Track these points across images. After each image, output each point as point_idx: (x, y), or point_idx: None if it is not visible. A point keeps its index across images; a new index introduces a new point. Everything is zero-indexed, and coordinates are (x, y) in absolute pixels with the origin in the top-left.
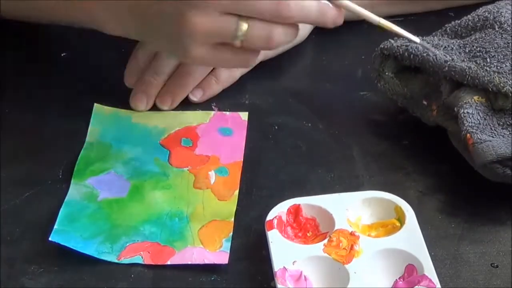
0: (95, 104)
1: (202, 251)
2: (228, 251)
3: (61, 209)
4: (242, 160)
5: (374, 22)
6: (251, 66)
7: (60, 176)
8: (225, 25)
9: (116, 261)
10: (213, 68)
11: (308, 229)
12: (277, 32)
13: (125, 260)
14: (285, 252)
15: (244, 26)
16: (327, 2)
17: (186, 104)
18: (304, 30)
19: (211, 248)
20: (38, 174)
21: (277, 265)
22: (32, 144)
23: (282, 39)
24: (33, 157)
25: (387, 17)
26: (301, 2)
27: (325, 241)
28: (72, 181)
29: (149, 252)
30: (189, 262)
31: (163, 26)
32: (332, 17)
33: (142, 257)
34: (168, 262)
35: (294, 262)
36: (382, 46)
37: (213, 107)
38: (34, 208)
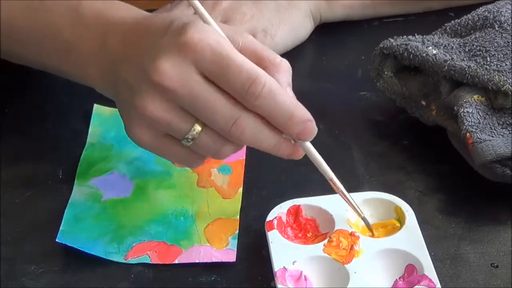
0: (95, 104)
1: (209, 250)
2: (235, 249)
3: (66, 210)
4: (244, 158)
5: (327, 177)
6: (195, 167)
7: (60, 176)
8: (177, 122)
9: (123, 261)
10: None
11: (308, 230)
12: (227, 148)
13: (133, 260)
14: (285, 252)
15: (197, 129)
16: (286, 137)
17: None
18: (305, 31)
19: (218, 246)
20: (38, 174)
21: (277, 265)
22: (32, 144)
23: (228, 154)
24: (33, 157)
25: (388, 17)
26: (257, 131)
27: (325, 241)
28: (76, 182)
29: (156, 252)
30: (197, 261)
31: (124, 95)
32: (287, 153)
33: (149, 256)
34: (176, 261)
35: (294, 262)
36: (382, 45)
37: None
38: (34, 208)
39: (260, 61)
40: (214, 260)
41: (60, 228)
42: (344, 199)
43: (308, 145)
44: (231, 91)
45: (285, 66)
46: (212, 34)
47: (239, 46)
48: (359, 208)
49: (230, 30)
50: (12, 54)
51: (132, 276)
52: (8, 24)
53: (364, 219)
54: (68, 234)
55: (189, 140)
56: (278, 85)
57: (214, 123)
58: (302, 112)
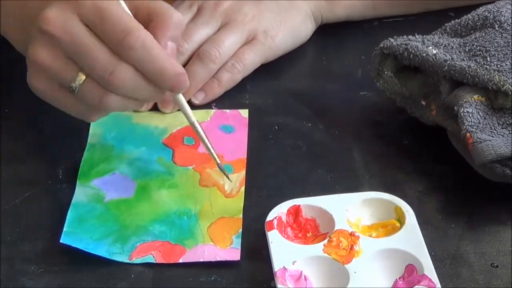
0: None
1: (213, 249)
2: (239, 248)
3: (69, 211)
4: (245, 156)
5: (189, 121)
6: (90, 120)
7: (60, 176)
8: (63, 69)
9: (127, 261)
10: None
11: (308, 230)
12: (111, 98)
13: (137, 260)
14: (285, 252)
15: (82, 78)
16: (157, 90)
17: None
18: (306, 31)
19: (222, 245)
20: (38, 174)
21: (277, 265)
22: (32, 144)
23: (115, 107)
24: (33, 157)
25: (388, 17)
26: (134, 82)
27: (325, 241)
28: (78, 183)
29: (160, 251)
30: (201, 260)
31: (24, 45)
32: (160, 101)
33: (153, 256)
34: (180, 260)
35: (294, 262)
36: (382, 45)
37: (213, 107)
38: (34, 208)
39: (150, 15)
40: (218, 259)
41: (64, 229)
42: (202, 144)
43: (179, 96)
44: (109, 43)
45: (174, 20)
46: None
47: (131, 3)
48: (215, 154)
49: None
50: None
51: (132, 276)
52: None
53: (219, 165)
54: (72, 235)
55: (74, 88)
56: (153, 40)
57: (93, 71)
58: (174, 67)
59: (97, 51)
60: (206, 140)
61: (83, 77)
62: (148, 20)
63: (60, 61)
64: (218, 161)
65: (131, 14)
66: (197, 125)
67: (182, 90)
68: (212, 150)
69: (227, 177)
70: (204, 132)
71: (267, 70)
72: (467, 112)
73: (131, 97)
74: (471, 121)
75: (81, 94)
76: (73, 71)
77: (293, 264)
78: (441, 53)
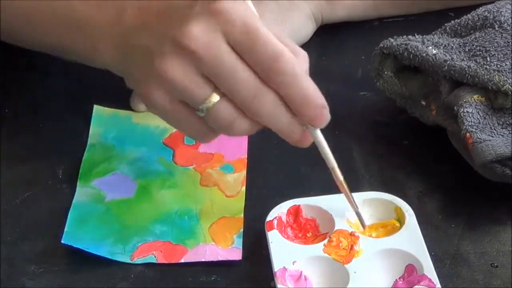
0: (94, 105)
1: (214, 248)
2: (241, 247)
3: (70, 211)
4: (246, 156)
5: (329, 165)
6: (203, 142)
7: (60, 176)
8: (195, 87)
9: (129, 261)
10: None
11: (308, 230)
12: (241, 123)
13: (138, 260)
14: (285, 252)
15: (215, 99)
16: (295, 121)
17: None
18: (307, 32)
19: (223, 245)
20: (38, 174)
21: (277, 265)
22: (32, 144)
23: (242, 131)
24: (33, 157)
25: (388, 17)
26: (275, 109)
27: (325, 241)
28: (78, 183)
29: (161, 251)
30: (203, 260)
31: (140, 62)
32: (296, 138)
33: (155, 256)
34: (182, 260)
35: (294, 262)
36: (382, 45)
37: None
38: (34, 208)
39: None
40: (220, 258)
41: (65, 229)
42: (342, 191)
43: (318, 132)
44: (256, 65)
45: (304, 56)
46: (244, 6)
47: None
48: (355, 203)
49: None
50: (15, 33)
51: (132, 276)
52: (13, 2)
53: (358, 213)
54: (73, 236)
55: (204, 109)
56: (301, 67)
57: (236, 93)
58: (319, 98)
59: (242, 73)
60: (347, 188)
61: (217, 98)
62: None
63: (193, 78)
64: (357, 209)
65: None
66: (337, 170)
67: (322, 125)
68: (351, 197)
69: (363, 226)
70: (344, 181)
71: None
72: (467, 112)
73: (264, 123)
74: (471, 121)
75: (210, 116)
76: (206, 91)
77: (293, 264)
78: (441, 53)
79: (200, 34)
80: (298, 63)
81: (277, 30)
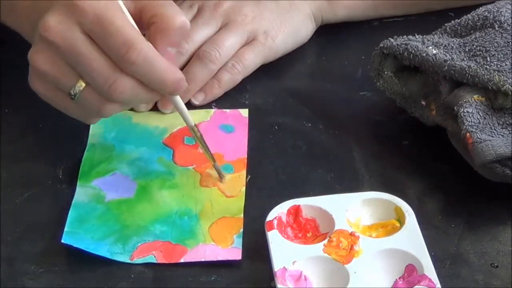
0: None
1: (214, 248)
2: (241, 247)
3: (70, 211)
4: (246, 156)
5: (188, 125)
6: (89, 123)
7: (60, 176)
8: (62, 76)
9: (129, 261)
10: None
11: (308, 230)
12: (110, 107)
13: (138, 260)
14: (285, 252)
15: (82, 85)
16: (156, 95)
17: (186, 105)
18: (307, 32)
19: (223, 245)
20: (38, 174)
21: (277, 265)
22: (32, 144)
23: (113, 112)
24: (33, 157)
25: (388, 18)
26: (134, 93)
27: (325, 241)
28: (78, 183)
29: (161, 251)
30: (202, 260)
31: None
32: (159, 106)
33: (155, 256)
34: (182, 260)
35: (294, 262)
36: (382, 45)
37: (213, 106)
38: (34, 208)
39: (153, 17)
40: (220, 258)
41: (65, 229)
42: (200, 146)
43: (176, 98)
44: (110, 54)
45: (176, 25)
46: None
47: (138, 4)
48: (211, 156)
49: None
50: None
51: (132, 276)
52: None
53: (215, 166)
54: (73, 235)
55: (73, 95)
56: (154, 52)
57: (93, 81)
58: (174, 73)
59: (97, 62)
60: (206, 145)
61: (83, 84)
62: (151, 22)
63: (59, 67)
64: (214, 163)
65: (131, 19)
66: (195, 128)
67: (180, 92)
68: (209, 151)
69: (221, 177)
70: (202, 135)
71: (267, 70)
72: (467, 112)
73: (130, 104)
74: (471, 121)
75: (80, 101)
76: (72, 78)
77: (293, 264)
78: (441, 53)
79: (55, 25)
80: (150, 49)
81: (158, 2)
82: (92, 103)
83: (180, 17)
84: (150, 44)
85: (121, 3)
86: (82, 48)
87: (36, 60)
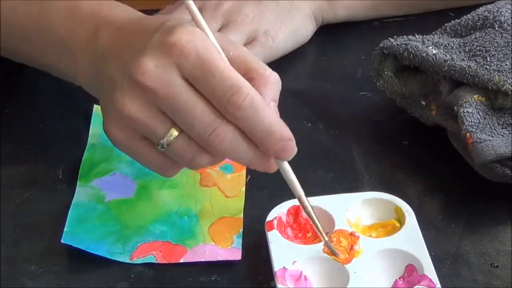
0: (94, 105)
1: (214, 248)
2: (240, 247)
3: (70, 211)
4: None
5: (296, 195)
6: (166, 176)
7: (60, 176)
8: (154, 123)
9: (129, 261)
10: None
11: (308, 230)
12: (203, 158)
13: (138, 260)
14: (285, 252)
15: (174, 134)
16: (260, 154)
17: None
18: (307, 32)
19: (223, 245)
20: (38, 174)
21: (277, 265)
22: (32, 144)
23: (206, 165)
24: (33, 157)
25: (388, 18)
26: (235, 143)
27: None
28: (78, 183)
29: (161, 251)
30: (202, 260)
31: (107, 91)
32: (262, 169)
33: (154, 256)
34: (181, 260)
35: (294, 262)
36: (382, 45)
37: None
38: (34, 208)
39: (248, 72)
40: (219, 258)
41: (65, 229)
42: (310, 220)
43: (284, 163)
44: (213, 99)
45: (274, 80)
46: (201, 38)
47: (229, 55)
48: (323, 232)
49: (223, 39)
50: (11, 51)
51: (132, 276)
52: (8, 20)
53: (327, 243)
54: (73, 235)
55: (164, 144)
56: (261, 99)
57: (192, 129)
58: (282, 130)
59: (198, 108)
60: (316, 219)
61: (176, 133)
62: (249, 77)
63: (151, 114)
64: (326, 239)
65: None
66: (304, 199)
67: (289, 157)
68: (319, 227)
69: (336, 255)
70: (312, 208)
71: None
72: (467, 112)
73: (226, 156)
74: (471, 121)
75: (170, 151)
76: (165, 126)
77: (293, 264)
78: (441, 53)
79: (153, 69)
80: (258, 96)
81: (246, 53)
82: (184, 153)
83: (272, 72)
84: (257, 92)
85: (217, 45)
86: (182, 93)
87: (126, 107)
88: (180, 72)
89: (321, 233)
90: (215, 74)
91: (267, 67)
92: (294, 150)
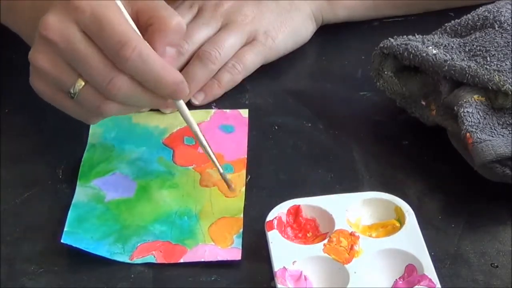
0: None
1: (214, 248)
2: (240, 247)
3: (70, 211)
4: (246, 156)
5: (192, 130)
6: (89, 123)
7: (60, 176)
8: (61, 74)
9: (128, 261)
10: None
11: (308, 230)
12: (109, 106)
13: (138, 260)
14: (285, 252)
15: (80, 84)
16: (157, 97)
17: (186, 104)
18: (307, 32)
19: (222, 245)
20: (38, 174)
21: (277, 265)
22: (32, 144)
23: (116, 112)
24: (33, 157)
25: (388, 18)
26: (132, 91)
27: (325, 241)
28: (78, 183)
29: (161, 251)
30: (202, 260)
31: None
32: (162, 107)
33: (154, 256)
34: (181, 260)
35: (294, 262)
36: (382, 45)
37: (213, 107)
38: (34, 208)
39: (149, 19)
40: (219, 258)
41: (65, 229)
42: (205, 153)
43: (179, 102)
44: (107, 53)
45: (173, 24)
46: None
47: (134, 7)
48: (218, 164)
49: None
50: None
51: (132, 276)
52: None
53: (223, 175)
54: (73, 235)
55: (73, 94)
56: (150, 50)
57: (92, 79)
58: (171, 75)
59: (94, 60)
60: (208, 148)
61: (82, 83)
62: (148, 24)
63: (59, 66)
64: (221, 170)
65: (130, 20)
66: (197, 130)
67: (182, 97)
68: (214, 158)
69: (229, 186)
70: (206, 139)
71: (267, 70)
72: (467, 112)
73: (129, 103)
74: (471, 121)
75: (80, 100)
76: (72, 77)
77: (293, 264)
78: (441, 53)
79: (54, 23)
80: (146, 47)
81: (154, 4)
82: (91, 102)
83: (176, 18)
84: (147, 43)
85: (119, 3)
86: (80, 46)
87: (37, 59)
88: (78, 27)
89: (216, 165)
90: (106, 29)
91: (172, 14)
92: (186, 90)
